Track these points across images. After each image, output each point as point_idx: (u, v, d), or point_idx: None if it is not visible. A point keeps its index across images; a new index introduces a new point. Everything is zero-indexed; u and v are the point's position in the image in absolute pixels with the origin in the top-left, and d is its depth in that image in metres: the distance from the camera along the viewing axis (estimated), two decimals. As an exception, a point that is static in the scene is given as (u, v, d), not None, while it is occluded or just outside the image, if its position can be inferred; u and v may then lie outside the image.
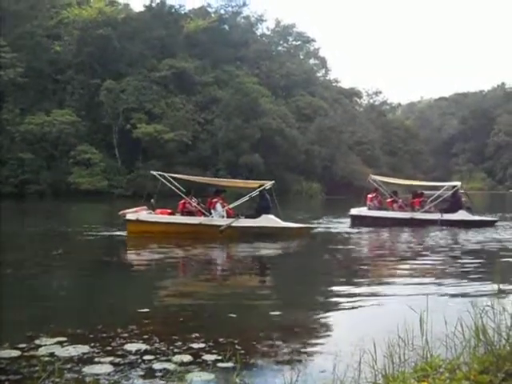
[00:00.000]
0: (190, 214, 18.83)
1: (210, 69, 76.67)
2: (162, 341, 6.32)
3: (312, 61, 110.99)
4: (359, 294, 9.35)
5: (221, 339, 6.39)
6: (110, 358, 5.71)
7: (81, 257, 15.18)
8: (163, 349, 6.05)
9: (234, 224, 18.16)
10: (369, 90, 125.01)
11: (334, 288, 10.00)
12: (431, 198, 24.60)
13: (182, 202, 19.07)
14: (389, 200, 24.84)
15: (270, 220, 18.72)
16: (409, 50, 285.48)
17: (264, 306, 8.71)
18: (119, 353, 5.91)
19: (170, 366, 5.44)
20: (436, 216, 22.86)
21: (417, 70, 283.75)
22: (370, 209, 24.22)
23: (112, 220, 22.54)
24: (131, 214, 18.30)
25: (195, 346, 6.16)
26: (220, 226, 18.18)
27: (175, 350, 5.98)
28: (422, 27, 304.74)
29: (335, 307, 8.52)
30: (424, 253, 15.13)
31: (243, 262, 14.28)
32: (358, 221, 23.24)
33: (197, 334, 6.56)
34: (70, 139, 61.96)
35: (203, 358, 5.76)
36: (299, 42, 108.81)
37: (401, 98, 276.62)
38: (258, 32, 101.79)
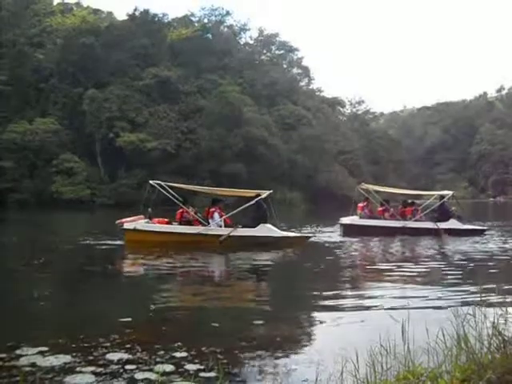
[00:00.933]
0: (188, 223, 18.71)
1: (193, 78, 76.79)
2: (144, 350, 6.27)
3: (295, 70, 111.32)
4: (344, 304, 9.34)
5: (203, 349, 6.36)
6: (92, 368, 5.66)
7: (63, 266, 15.08)
8: (145, 358, 6.00)
9: (232, 234, 18.10)
10: (352, 99, 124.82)
11: (319, 298, 9.98)
12: (421, 207, 24.66)
13: (180, 211, 18.93)
14: (380, 209, 24.72)
15: (267, 229, 18.63)
16: (391, 60, 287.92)
17: (248, 316, 8.67)
18: (101, 362, 5.86)
19: (152, 376, 5.39)
20: (428, 225, 22.83)
21: (399, 79, 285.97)
22: (361, 217, 23.98)
23: (93, 229, 22.41)
24: (129, 223, 18.14)
25: (177, 355, 6.12)
26: (218, 235, 18.06)
27: (157, 360, 5.94)
28: (404, 37, 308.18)
29: (319, 317, 8.49)
30: (412, 262, 15.08)
31: (233, 272, 14.18)
32: (349, 230, 23.06)
33: (179, 344, 6.52)
34: (53, 148, 61.74)
35: (185, 367, 5.72)
36: (282, 51, 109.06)
37: (384, 107, 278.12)
38: (242, 41, 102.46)
